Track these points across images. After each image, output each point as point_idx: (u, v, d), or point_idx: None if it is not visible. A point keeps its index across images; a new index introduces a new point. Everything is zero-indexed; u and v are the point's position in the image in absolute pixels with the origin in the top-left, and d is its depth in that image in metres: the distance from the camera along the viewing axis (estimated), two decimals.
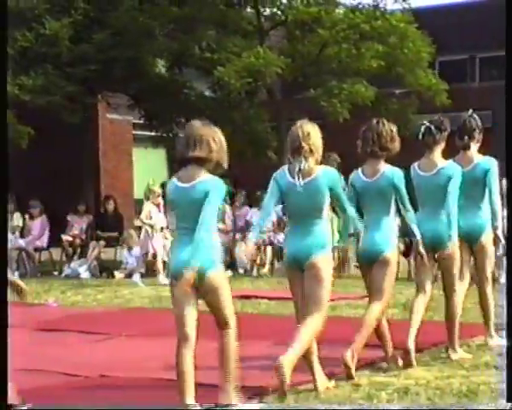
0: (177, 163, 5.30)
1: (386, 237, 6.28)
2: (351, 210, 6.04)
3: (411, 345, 6.46)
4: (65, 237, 14.96)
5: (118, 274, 13.97)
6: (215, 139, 5.09)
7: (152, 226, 13.24)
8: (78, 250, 15.09)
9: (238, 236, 14.47)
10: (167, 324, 8.75)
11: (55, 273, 14.72)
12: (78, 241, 15.09)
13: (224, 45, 16.06)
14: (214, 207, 4.96)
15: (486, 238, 7.11)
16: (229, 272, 13.77)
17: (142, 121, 17.93)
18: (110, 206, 15.42)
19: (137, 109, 17.58)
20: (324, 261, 5.72)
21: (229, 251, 14.28)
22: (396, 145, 6.42)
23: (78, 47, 15.73)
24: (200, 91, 17.18)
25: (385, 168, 6.37)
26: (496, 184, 7.17)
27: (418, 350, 6.84)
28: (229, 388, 5.10)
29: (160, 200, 13.43)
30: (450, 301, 6.80)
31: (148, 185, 13.80)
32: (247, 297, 10.54)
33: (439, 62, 22.20)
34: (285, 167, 5.93)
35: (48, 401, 5.57)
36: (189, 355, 4.99)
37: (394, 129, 6.45)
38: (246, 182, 18.11)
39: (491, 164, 7.16)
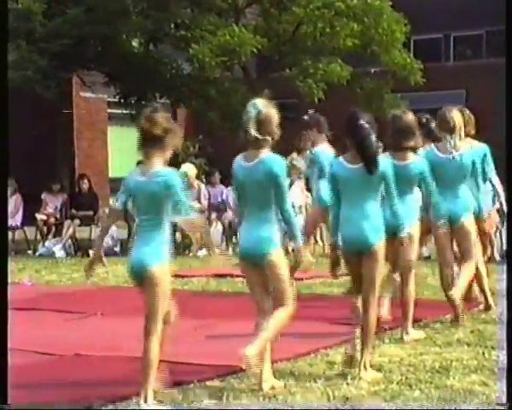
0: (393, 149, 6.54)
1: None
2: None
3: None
4: (39, 216, 14.88)
5: (93, 253, 13.92)
6: None
7: None
8: (53, 229, 15.01)
9: (213, 215, 14.46)
10: (142, 302, 8.78)
11: (30, 252, 14.65)
12: (52, 220, 15.01)
13: (198, 23, 15.97)
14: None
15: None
16: (204, 251, 13.79)
17: (116, 99, 17.82)
18: (85, 185, 15.36)
19: (112, 87, 17.47)
20: (472, 221, 7.06)
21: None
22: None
23: (51, 22, 15.58)
24: (175, 67, 17.09)
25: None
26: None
27: (391, 328, 6.91)
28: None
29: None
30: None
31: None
32: (223, 276, 10.56)
33: (413, 41, 22.24)
34: (434, 148, 7.12)
35: (22, 379, 5.56)
36: None
37: None
38: (220, 161, 18.08)
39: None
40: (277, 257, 5.15)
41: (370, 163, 5.55)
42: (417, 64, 16.91)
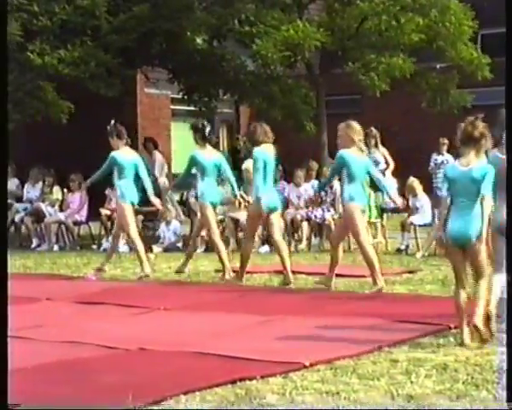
0: None
1: None
2: None
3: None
4: (103, 211, 15.05)
5: (156, 248, 14.03)
6: None
7: None
8: None
9: None
10: (204, 297, 8.83)
11: (94, 247, 14.83)
12: (116, 215, 15.15)
13: (262, 19, 15.95)
14: None
15: None
16: (267, 248, 13.78)
17: (180, 96, 17.94)
18: None
19: (176, 83, 17.58)
20: None
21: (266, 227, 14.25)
22: None
23: (116, 19, 15.75)
24: (239, 64, 17.12)
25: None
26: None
27: (457, 326, 6.79)
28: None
29: None
30: None
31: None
32: None
33: (481, 35, 21.85)
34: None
35: (87, 373, 5.62)
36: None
37: None
38: (283, 157, 18.06)
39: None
40: (481, 240, 6.27)
41: None
42: (484, 59, 16.60)
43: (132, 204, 10.76)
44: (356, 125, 9.20)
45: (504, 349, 5.45)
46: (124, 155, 10.65)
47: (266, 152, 9.73)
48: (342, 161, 9.03)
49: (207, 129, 10.38)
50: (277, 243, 9.88)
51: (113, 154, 10.64)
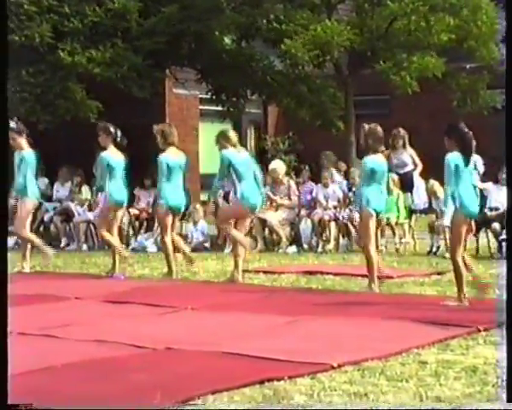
0: None
1: None
2: None
3: None
4: (132, 211, 15.11)
5: None
6: None
7: None
8: (145, 224, 15.23)
9: (303, 211, 14.40)
10: (232, 297, 8.83)
11: (123, 246, 14.87)
12: (144, 215, 15.22)
13: (291, 18, 15.94)
14: None
15: None
16: (295, 248, 13.76)
17: (208, 96, 17.97)
18: None
19: (204, 84, 17.61)
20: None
21: (294, 227, 14.24)
22: None
23: (147, 21, 15.82)
24: (267, 64, 17.11)
25: None
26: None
27: (487, 329, 6.74)
28: None
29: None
30: None
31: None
32: (313, 273, 10.51)
33: None
34: None
35: (114, 372, 5.64)
36: None
37: None
38: (310, 157, 18.04)
39: None
40: None
41: None
42: None
43: (38, 200, 11.32)
44: (231, 134, 10.16)
45: None
46: (30, 152, 10.99)
47: (171, 156, 10.28)
48: (227, 162, 9.85)
49: (118, 132, 10.73)
50: (166, 243, 10.44)
51: (24, 153, 10.88)
